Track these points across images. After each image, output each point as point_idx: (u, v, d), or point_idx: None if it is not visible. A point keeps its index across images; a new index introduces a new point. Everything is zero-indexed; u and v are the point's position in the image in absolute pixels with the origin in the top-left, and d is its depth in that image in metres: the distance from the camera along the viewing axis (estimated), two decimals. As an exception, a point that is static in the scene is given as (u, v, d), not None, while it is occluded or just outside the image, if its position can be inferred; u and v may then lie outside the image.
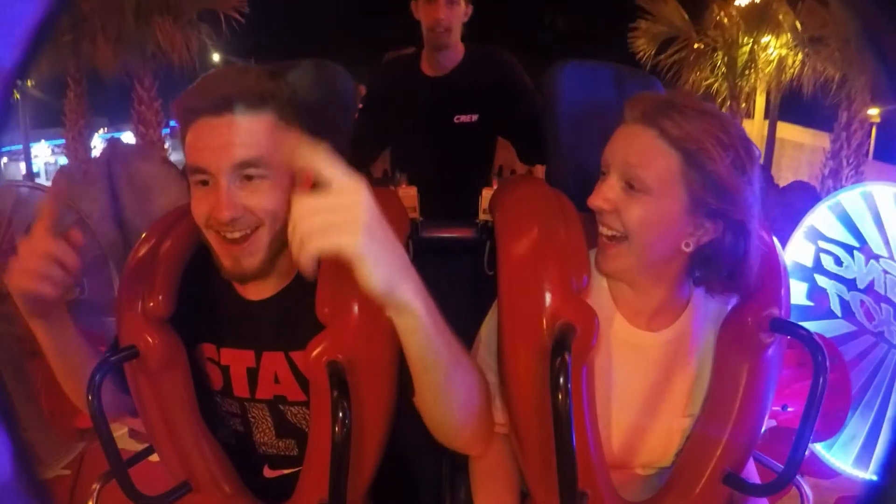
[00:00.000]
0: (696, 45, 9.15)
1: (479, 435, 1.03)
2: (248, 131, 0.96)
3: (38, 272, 0.92)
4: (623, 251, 0.97)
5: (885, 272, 2.57)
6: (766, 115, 10.82)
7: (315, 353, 0.91)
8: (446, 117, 2.07)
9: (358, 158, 2.12)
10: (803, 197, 4.79)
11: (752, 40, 8.94)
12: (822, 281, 2.71)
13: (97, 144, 9.41)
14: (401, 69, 2.18)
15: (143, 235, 1.10)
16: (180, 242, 1.08)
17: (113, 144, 5.77)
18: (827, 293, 2.70)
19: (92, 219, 3.26)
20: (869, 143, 8.58)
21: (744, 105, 9.38)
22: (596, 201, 0.98)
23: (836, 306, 2.69)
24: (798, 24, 8.26)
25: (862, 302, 2.63)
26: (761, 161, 1.03)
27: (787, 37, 8.68)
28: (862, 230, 2.63)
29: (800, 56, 8.56)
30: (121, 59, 8.42)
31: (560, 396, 0.83)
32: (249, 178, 0.96)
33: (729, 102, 9.14)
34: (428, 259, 1.20)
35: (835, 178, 8.00)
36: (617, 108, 1.27)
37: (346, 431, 0.84)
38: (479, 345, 1.10)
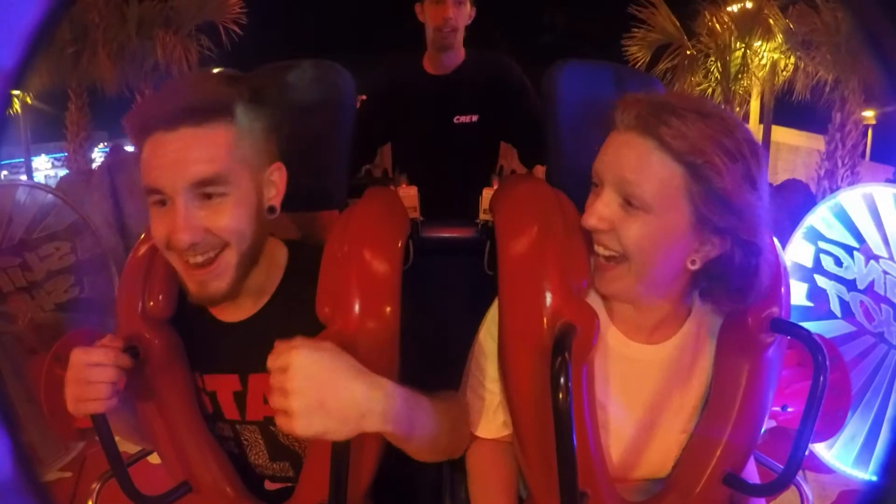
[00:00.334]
0: (689, 52, 9.18)
1: (457, 450, 1.05)
2: (204, 146, 0.88)
3: (99, 397, 0.89)
4: (622, 272, 0.91)
5: (885, 273, 2.57)
6: (761, 120, 10.83)
7: None
8: (446, 117, 2.10)
9: (358, 157, 2.17)
10: (796, 195, 4.80)
11: (744, 45, 8.96)
12: (821, 281, 2.71)
13: (97, 158, 9.42)
14: (404, 68, 2.21)
15: (143, 236, 1.10)
16: None
17: (115, 152, 5.77)
18: (827, 294, 2.70)
19: (94, 224, 3.26)
20: (865, 145, 8.58)
21: (738, 110, 9.38)
22: (590, 220, 0.90)
23: (835, 307, 2.69)
24: (790, 27, 8.29)
25: (862, 302, 2.63)
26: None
27: (778, 41, 8.70)
28: (862, 231, 2.63)
29: (792, 60, 8.59)
30: (121, 72, 8.42)
31: (560, 396, 0.83)
32: (209, 196, 0.89)
33: (723, 107, 9.17)
34: (428, 259, 1.20)
35: (830, 179, 8.01)
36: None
37: None
38: (476, 351, 1.09)
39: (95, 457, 2.39)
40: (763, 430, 1.04)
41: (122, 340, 0.96)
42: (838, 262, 2.67)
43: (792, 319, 1.02)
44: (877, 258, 2.59)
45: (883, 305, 2.58)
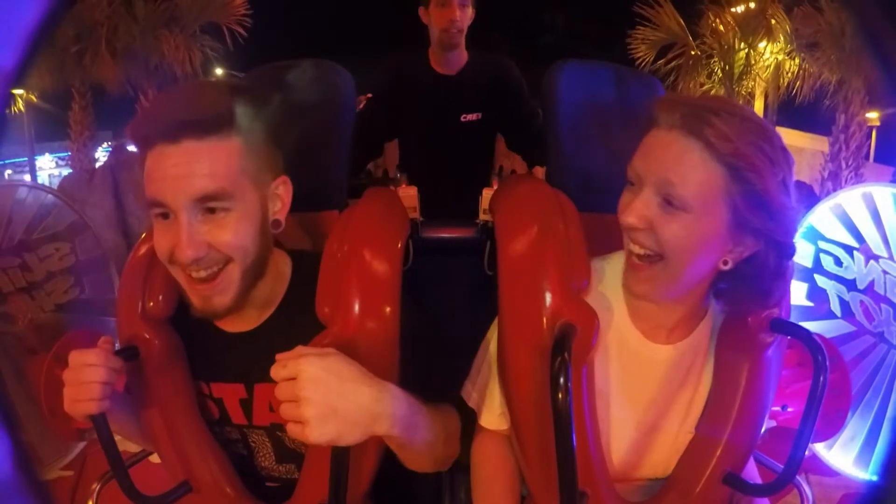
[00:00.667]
0: (693, 52, 9.17)
1: (448, 460, 1.06)
2: (208, 160, 0.87)
3: (91, 397, 0.89)
4: (658, 272, 0.91)
5: (885, 272, 2.57)
6: (765, 120, 10.81)
7: None
8: (454, 115, 2.18)
9: (366, 154, 2.23)
10: (799, 195, 4.79)
11: (748, 46, 8.95)
12: (821, 281, 2.71)
13: (101, 157, 9.43)
14: (411, 66, 2.25)
15: (143, 236, 1.10)
16: None
17: (117, 151, 5.78)
18: (827, 293, 2.70)
19: (96, 224, 3.26)
20: (869, 146, 8.58)
21: (741, 111, 9.38)
22: (629, 218, 0.89)
23: (835, 307, 2.69)
24: (793, 30, 8.29)
25: (862, 302, 2.62)
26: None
27: (782, 42, 8.70)
28: (861, 230, 2.63)
29: (796, 61, 8.58)
30: (125, 72, 8.41)
31: (560, 396, 0.83)
32: (212, 210, 0.88)
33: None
34: (428, 259, 1.21)
35: (834, 181, 8.01)
36: (616, 109, 1.27)
37: None
38: (484, 347, 1.09)
39: (96, 456, 2.39)
40: (763, 430, 1.04)
41: (115, 342, 0.96)
42: (838, 262, 2.67)
43: (792, 319, 1.02)
44: (877, 258, 2.59)
45: (883, 305, 2.58)
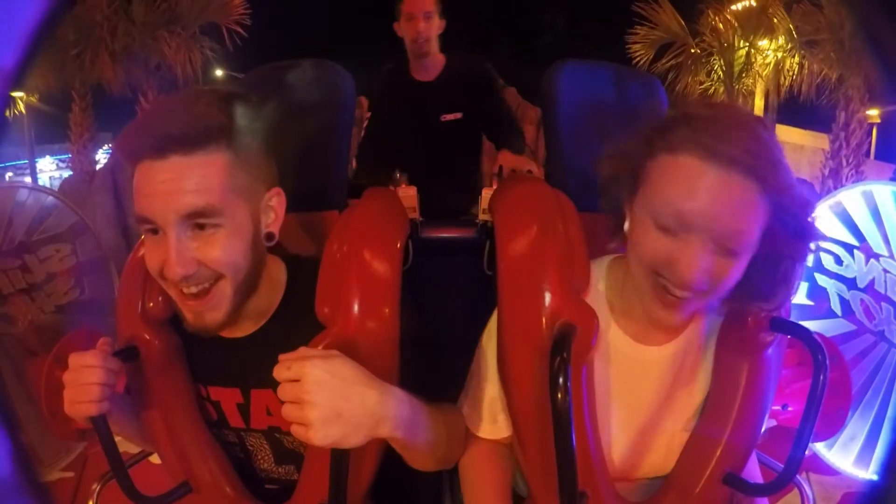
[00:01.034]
0: (693, 50, 9.16)
1: (451, 459, 1.06)
2: (196, 175, 0.85)
3: (90, 399, 0.89)
4: (695, 303, 0.89)
5: (885, 271, 2.57)
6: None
7: None
8: (434, 117, 2.36)
9: (378, 160, 2.33)
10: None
11: (748, 44, 8.95)
12: (822, 280, 2.71)
13: (101, 159, 9.43)
14: (393, 77, 2.45)
15: (143, 237, 1.10)
16: None
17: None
18: (827, 292, 2.70)
19: (96, 225, 3.25)
20: (869, 143, 8.58)
21: (742, 108, 9.38)
22: (695, 277, 0.82)
23: (836, 305, 2.68)
24: (793, 27, 8.28)
25: (862, 301, 2.62)
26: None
27: (782, 40, 8.69)
28: (862, 229, 2.63)
29: (796, 59, 8.57)
30: (125, 74, 8.41)
31: (560, 396, 0.83)
32: (202, 226, 0.86)
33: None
34: (428, 259, 1.20)
35: (835, 178, 8.01)
36: (616, 109, 1.27)
37: None
38: (479, 354, 1.08)
39: (97, 457, 2.39)
40: (763, 429, 1.04)
41: (114, 343, 0.96)
42: (838, 261, 2.67)
43: (792, 318, 1.02)
44: (877, 256, 2.59)
45: (883, 304, 2.57)
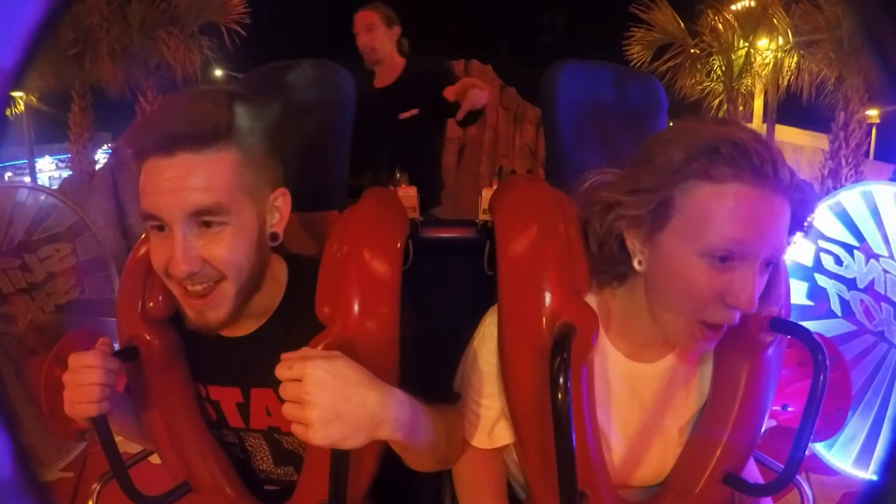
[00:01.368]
0: (693, 51, 9.16)
1: (451, 460, 1.06)
2: (203, 173, 0.85)
3: (90, 399, 0.89)
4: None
5: (885, 271, 2.57)
6: (765, 119, 10.83)
7: None
8: (393, 118, 2.47)
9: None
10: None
11: (747, 44, 8.95)
12: (822, 280, 2.71)
13: (101, 159, 9.43)
14: (359, 86, 2.49)
15: (144, 236, 1.10)
16: None
17: (117, 153, 5.77)
18: (827, 293, 2.70)
19: (96, 225, 3.25)
20: (869, 143, 8.58)
21: (741, 109, 9.37)
22: (748, 303, 0.82)
23: (836, 306, 2.68)
24: (792, 27, 8.28)
25: (862, 301, 2.62)
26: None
27: (782, 40, 8.69)
28: (862, 229, 2.63)
29: (795, 58, 8.57)
30: (124, 74, 8.40)
31: (560, 396, 0.83)
32: (208, 224, 0.87)
33: (726, 106, 9.16)
34: (428, 259, 1.20)
35: (834, 178, 8.01)
36: (616, 109, 1.26)
37: None
38: (471, 363, 1.07)
39: (96, 457, 2.39)
40: (763, 429, 1.04)
41: (113, 343, 0.96)
42: (838, 261, 2.67)
43: (792, 319, 1.02)
44: (877, 257, 2.59)
45: (883, 304, 2.58)
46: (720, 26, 9.08)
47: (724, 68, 9.17)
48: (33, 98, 9.62)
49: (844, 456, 2.59)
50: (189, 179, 0.85)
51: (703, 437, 1.01)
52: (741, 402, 1.00)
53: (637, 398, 1.01)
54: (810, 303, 2.73)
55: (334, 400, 0.77)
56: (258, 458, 1.10)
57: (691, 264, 0.84)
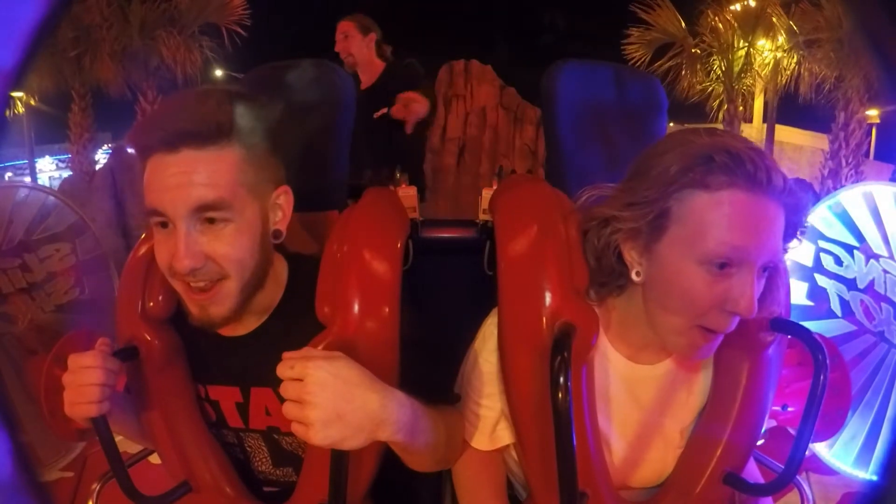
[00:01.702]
0: (694, 50, 9.15)
1: (451, 460, 1.07)
2: (207, 169, 0.86)
3: (89, 400, 0.90)
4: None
5: (885, 272, 2.57)
6: (765, 119, 10.83)
7: None
8: (369, 115, 2.65)
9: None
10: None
11: (747, 44, 8.94)
12: (822, 281, 2.71)
13: (101, 159, 9.44)
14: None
15: (143, 236, 1.10)
16: None
17: (117, 153, 5.77)
18: (827, 293, 2.70)
19: (96, 225, 3.25)
20: (869, 144, 8.57)
21: (741, 109, 9.37)
22: (749, 309, 0.83)
23: (836, 306, 2.68)
24: (792, 27, 8.28)
25: (862, 301, 2.62)
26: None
27: (782, 40, 8.69)
28: (862, 230, 2.63)
29: (795, 58, 8.57)
30: (125, 74, 8.39)
31: (560, 396, 0.83)
32: (211, 220, 0.88)
33: (726, 106, 9.16)
34: (428, 259, 1.21)
35: (834, 179, 8.00)
36: (616, 108, 1.26)
37: None
38: (471, 364, 1.07)
39: (96, 457, 2.39)
40: (763, 429, 1.04)
41: (113, 343, 0.96)
42: (838, 261, 2.67)
43: (792, 319, 1.02)
44: (877, 257, 2.59)
45: (883, 304, 2.57)
46: (720, 26, 9.07)
47: (724, 68, 9.16)
48: (33, 99, 9.61)
49: (844, 456, 2.59)
50: (193, 175, 0.86)
51: (704, 437, 1.01)
52: (741, 402, 1.00)
53: (637, 400, 1.01)
54: (810, 303, 2.73)
55: (336, 401, 0.77)
56: (257, 459, 1.10)
57: (690, 272, 0.85)
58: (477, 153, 8.65)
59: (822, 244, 2.71)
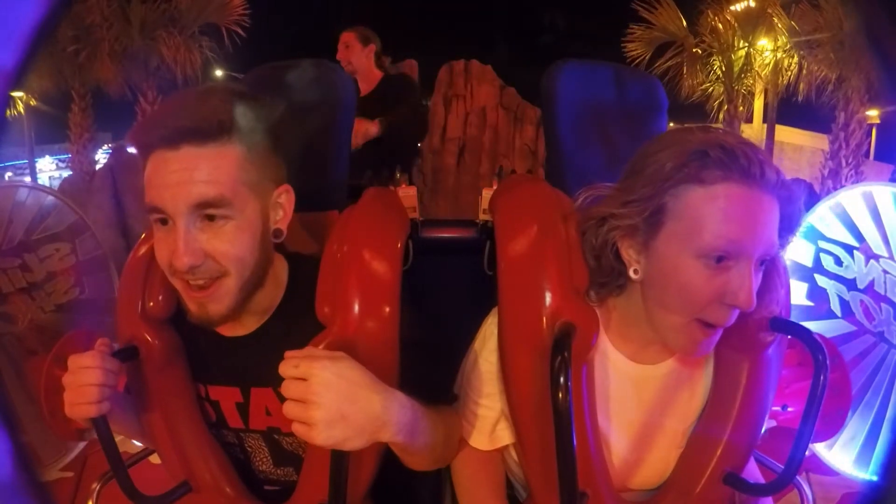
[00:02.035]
0: (694, 50, 9.15)
1: (448, 459, 1.07)
2: (207, 167, 0.86)
3: (89, 400, 0.90)
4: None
5: (885, 272, 2.57)
6: (765, 119, 10.83)
7: None
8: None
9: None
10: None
11: (747, 44, 8.94)
12: (822, 281, 2.71)
13: (101, 159, 9.44)
14: None
15: (143, 236, 1.10)
16: None
17: (117, 153, 5.77)
18: (827, 293, 2.70)
19: (96, 225, 3.25)
20: (869, 144, 8.57)
21: (741, 109, 9.36)
22: (750, 301, 0.84)
23: (836, 306, 2.68)
24: (793, 27, 8.28)
25: (862, 302, 2.62)
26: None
27: (782, 40, 8.69)
28: (862, 230, 2.63)
29: (795, 58, 8.57)
30: (125, 74, 8.39)
31: (560, 395, 0.83)
32: (212, 218, 0.88)
33: (727, 106, 9.16)
34: (428, 259, 1.21)
35: (834, 179, 8.00)
36: (616, 108, 1.27)
37: None
38: (471, 364, 1.08)
39: (96, 457, 2.39)
40: (763, 429, 1.04)
41: (113, 343, 0.96)
42: (838, 262, 2.67)
43: (792, 319, 1.02)
44: (877, 257, 2.59)
45: (883, 305, 2.57)
46: (720, 26, 9.07)
47: (724, 68, 9.16)
48: (33, 99, 9.62)
49: (844, 456, 2.59)
50: (194, 172, 0.86)
51: (704, 437, 1.01)
52: (741, 402, 1.00)
53: (639, 399, 1.01)
54: (810, 303, 2.73)
55: (340, 402, 0.77)
56: (258, 458, 1.10)
57: (688, 267, 0.86)
58: (477, 153, 8.65)
59: (822, 244, 2.71)
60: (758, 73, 9.04)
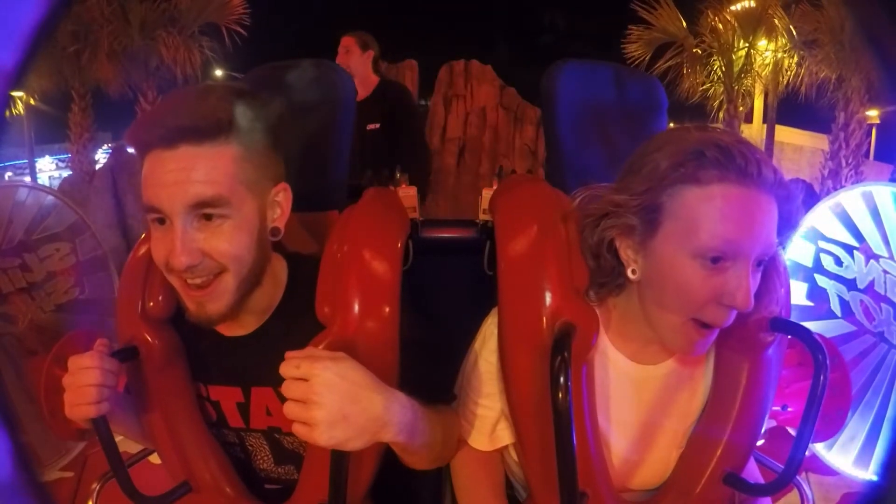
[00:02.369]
0: (695, 50, 9.15)
1: (447, 458, 1.07)
2: (205, 166, 0.86)
3: (89, 401, 0.89)
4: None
5: (885, 272, 2.57)
6: (765, 119, 10.82)
7: None
8: (362, 126, 3.01)
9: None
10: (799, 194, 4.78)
11: (748, 45, 8.94)
12: (822, 281, 2.71)
13: (101, 159, 9.45)
14: None
15: (143, 236, 1.10)
16: None
17: (117, 153, 5.77)
18: (827, 293, 2.70)
19: (96, 225, 3.25)
20: (869, 144, 8.57)
21: (741, 109, 9.36)
22: (746, 303, 0.84)
23: (836, 306, 2.68)
24: (793, 28, 8.28)
25: (862, 302, 2.62)
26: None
27: (782, 40, 8.69)
28: (862, 230, 2.63)
29: (795, 59, 8.57)
30: (124, 74, 8.39)
31: (560, 395, 0.83)
32: (209, 217, 0.87)
33: (726, 106, 9.16)
34: (428, 259, 1.21)
35: (834, 179, 8.00)
36: (616, 108, 1.27)
37: None
38: (471, 364, 1.08)
39: (96, 457, 2.39)
40: (763, 429, 1.04)
41: (113, 343, 0.96)
42: (838, 262, 2.67)
43: (792, 319, 1.02)
44: (877, 257, 2.59)
45: (883, 305, 2.57)
46: (720, 26, 9.07)
47: (724, 68, 9.16)
48: (33, 99, 9.61)
49: (844, 456, 2.59)
50: (191, 172, 0.86)
51: (704, 437, 1.01)
52: (741, 402, 1.00)
53: (639, 399, 1.01)
54: (810, 303, 2.73)
55: (341, 402, 0.78)
56: (259, 457, 1.10)
57: (685, 267, 0.86)
58: (477, 153, 8.66)
59: (822, 244, 2.71)
60: (758, 74, 9.04)
